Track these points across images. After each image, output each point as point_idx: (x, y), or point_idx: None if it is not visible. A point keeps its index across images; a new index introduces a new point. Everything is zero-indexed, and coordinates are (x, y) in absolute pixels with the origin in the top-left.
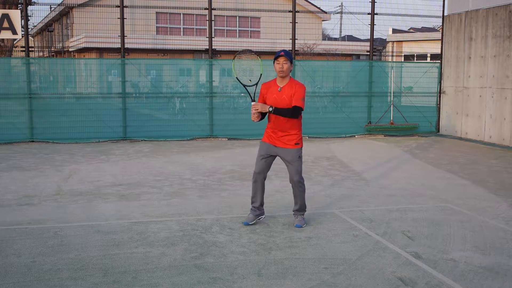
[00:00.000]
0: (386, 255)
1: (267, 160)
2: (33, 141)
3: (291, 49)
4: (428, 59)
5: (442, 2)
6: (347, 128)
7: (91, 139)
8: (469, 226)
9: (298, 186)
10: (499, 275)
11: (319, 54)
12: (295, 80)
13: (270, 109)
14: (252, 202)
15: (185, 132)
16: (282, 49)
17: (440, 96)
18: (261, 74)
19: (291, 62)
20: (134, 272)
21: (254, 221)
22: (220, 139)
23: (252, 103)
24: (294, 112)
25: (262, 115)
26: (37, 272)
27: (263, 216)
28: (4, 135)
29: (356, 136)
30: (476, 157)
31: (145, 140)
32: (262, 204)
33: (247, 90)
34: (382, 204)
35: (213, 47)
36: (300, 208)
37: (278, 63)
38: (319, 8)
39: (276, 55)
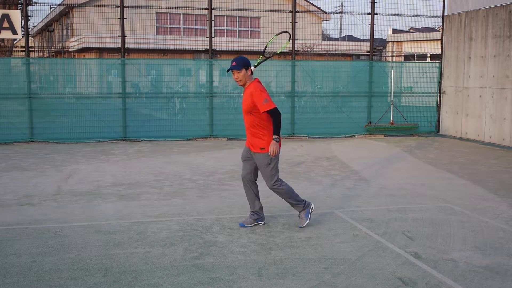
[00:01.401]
0: (386, 255)
1: (249, 163)
2: (33, 141)
3: (290, 49)
4: (428, 59)
5: (442, 2)
6: (347, 128)
7: (91, 139)
8: (469, 226)
9: (275, 191)
10: (499, 275)
11: (319, 54)
12: (253, 81)
13: (277, 139)
14: (250, 208)
15: (185, 132)
16: (235, 58)
17: (440, 96)
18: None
19: (246, 68)
20: (134, 272)
21: (252, 225)
22: (220, 139)
23: (274, 153)
24: (276, 117)
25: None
26: (37, 272)
27: (262, 223)
28: (4, 135)
29: (356, 136)
30: (476, 157)
31: (145, 140)
32: (260, 208)
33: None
34: (382, 204)
35: (213, 47)
36: (293, 206)
37: (233, 74)
38: (319, 8)
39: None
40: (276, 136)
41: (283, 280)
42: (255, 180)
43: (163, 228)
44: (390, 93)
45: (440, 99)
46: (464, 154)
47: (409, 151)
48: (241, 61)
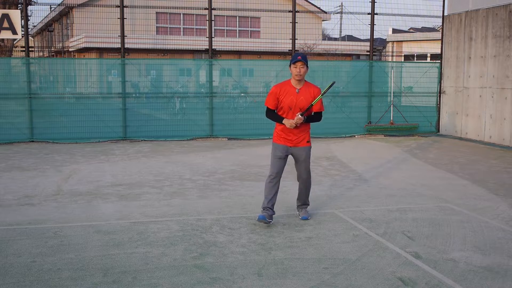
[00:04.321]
0: (386, 255)
1: (283, 161)
2: (33, 141)
3: (290, 49)
4: (428, 59)
5: (442, 2)
6: (347, 128)
7: (91, 139)
8: (469, 226)
9: (308, 183)
10: (499, 275)
11: (319, 54)
12: (309, 82)
13: (304, 118)
14: (267, 203)
15: (185, 132)
16: (298, 52)
17: (440, 96)
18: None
19: (307, 66)
20: (134, 272)
21: (271, 221)
22: (220, 139)
23: (300, 116)
24: (320, 119)
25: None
26: (37, 272)
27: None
28: (4, 135)
29: (356, 136)
30: (476, 157)
31: (145, 140)
32: (274, 203)
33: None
34: (382, 204)
35: (213, 47)
36: (306, 201)
37: (296, 67)
38: (319, 8)
39: (293, 59)
40: (305, 116)
41: (283, 280)
42: None
43: (163, 228)
44: (390, 93)
45: (440, 99)
46: (464, 154)
47: (409, 151)
48: (306, 58)
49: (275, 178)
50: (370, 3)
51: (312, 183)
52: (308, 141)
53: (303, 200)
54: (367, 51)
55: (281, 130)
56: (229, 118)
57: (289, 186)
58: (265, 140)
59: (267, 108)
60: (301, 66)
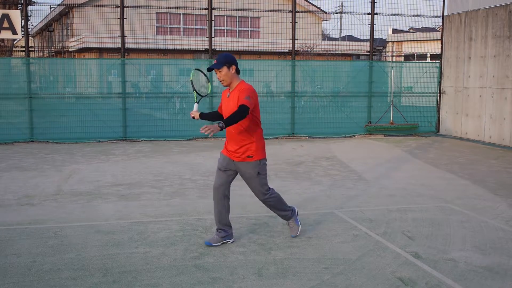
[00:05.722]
0: (386, 255)
1: (226, 174)
2: (33, 141)
3: (290, 49)
4: (428, 59)
5: (442, 2)
6: (347, 128)
7: (91, 139)
8: (469, 226)
9: (267, 202)
10: (499, 275)
11: (319, 54)
12: (245, 83)
13: (220, 124)
14: (216, 223)
15: (185, 132)
16: (219, 54)
17: (440, 96)
18: (207, 94)
19: (229, 66)
20: (134, 272)
21: (220, 243)
22: (220, 139)
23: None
24: (241, 112)
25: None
26: (37, 272)
27: (231, 241)
28: (4, 135)
29: (356, 136)
30: (476, 157)
31: (145, 140)
32: (226, 224)
33: (197, 96)
34: (382, 204)
35: (213, 47)
36: (282, 217)
37: (217, 75)
38: (319, 8)
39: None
40: (221, 123)
41: (283, 280)
42: (229, 194)
43: (163, 228)
44: (390, 93)
45: (440, 99)
46: (464, 154)
47: (409, 151)
48: (222, 58)
49: (214, 192)
50: (370, 3)
51: (312, 184)
52: (250, 156)
53: (279, 216)
54: (367, 51)
55: (226, 141)
56: None
57: (289, 186)
58: (266, 140)
59: None
60: (218, 71)
